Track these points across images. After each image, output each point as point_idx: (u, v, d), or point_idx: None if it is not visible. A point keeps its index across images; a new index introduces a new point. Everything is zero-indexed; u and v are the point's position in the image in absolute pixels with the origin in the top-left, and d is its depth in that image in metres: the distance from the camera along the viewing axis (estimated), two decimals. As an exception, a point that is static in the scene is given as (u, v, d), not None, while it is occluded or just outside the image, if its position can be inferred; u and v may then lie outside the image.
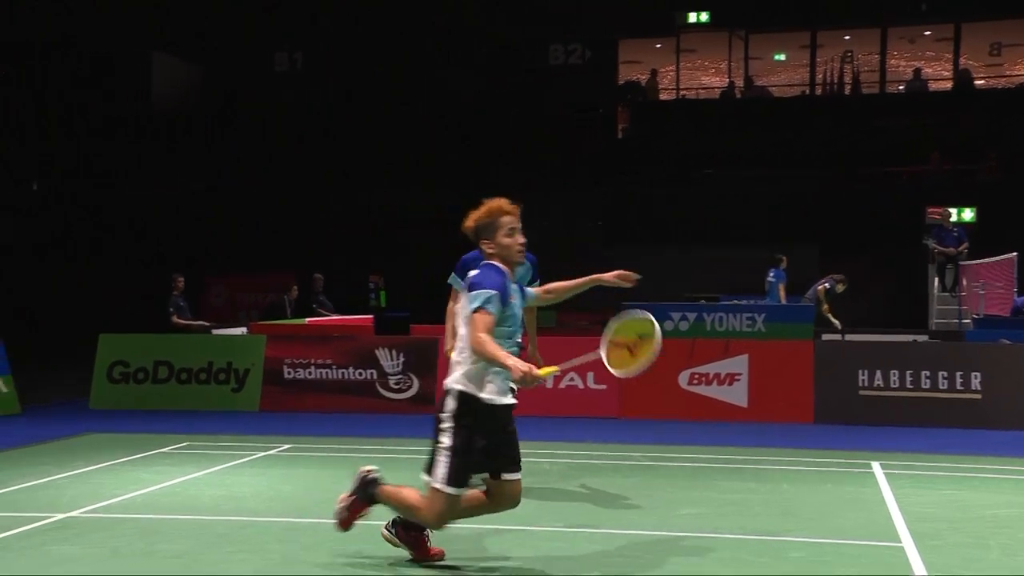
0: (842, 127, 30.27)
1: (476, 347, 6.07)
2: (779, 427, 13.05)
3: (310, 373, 14.66)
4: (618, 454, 11.08)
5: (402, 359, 14.31)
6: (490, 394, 6.20)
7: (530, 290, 6.78)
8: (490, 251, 6.40)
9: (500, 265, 6.35)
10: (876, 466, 10.17)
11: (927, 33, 33.39)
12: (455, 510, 6.23)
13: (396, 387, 14.33)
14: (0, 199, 26.81)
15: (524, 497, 7.97)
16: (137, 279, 25.25)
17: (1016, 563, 6.79)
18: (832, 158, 29.44)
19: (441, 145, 30.25)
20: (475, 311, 6.11)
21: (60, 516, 7.89)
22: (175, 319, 18.11)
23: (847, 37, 33.58)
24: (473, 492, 6.45)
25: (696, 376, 13.81)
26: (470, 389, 6.19)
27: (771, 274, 22.35)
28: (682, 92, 34.68)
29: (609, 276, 6.86)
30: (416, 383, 14.15)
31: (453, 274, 8.79)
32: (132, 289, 24.66)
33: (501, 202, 6.46)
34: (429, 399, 12.83)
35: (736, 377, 13.75)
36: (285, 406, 14.42)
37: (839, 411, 13.47)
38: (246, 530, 7.57)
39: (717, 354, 13.91)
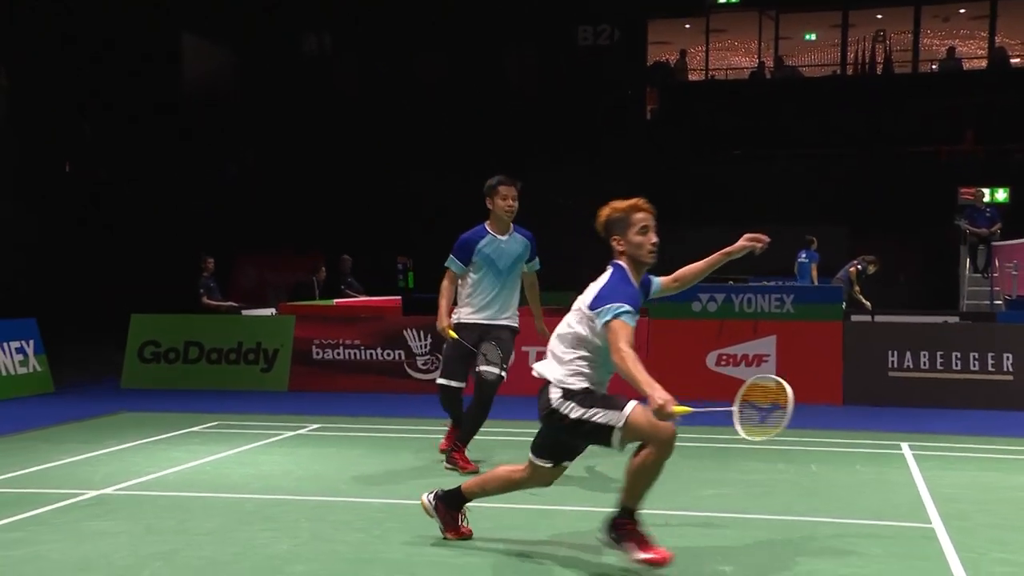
0: (874, 107, 30.10)
1: (618, 360, 5.71)
2: (807, 408, 12.86)
3: (338, 353, 14.77)
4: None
5: (430, 340, 14.37)
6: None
7: (656, 279, 6.51)
8: (620, 248, 6.13)
9: (627, 269, 6.11)
10: (905, 447, 10.18)
11: (962, 11, 33.14)
12: (647, 419, 5.80)
13: (424, 367, 14.42)
14: (33, 181, 26.99)
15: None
16: (168, 260, 25.41)
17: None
18: (863, 138, 29.33)
19: (468, 127, 30.24)
20: (612, 320, 5.77)
21: (94, 493, 8.02)
22: (205, 300, 18.25)
23: (879, 16, 33.36)
24: (511, 468, 6.53)
25: (724, 357, 13.83)
26: (575, 387, 6.05)
27: (802, 255, 22.32)
28: (711, 73, 34.56)
29: (738, 245, 6.62)
30: (443, 363, 14.22)
31: (452, 256, 8.86)
32: (163, 270, 24.82)
33: (636, 199, 6.19)
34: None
35: (764, 358, 13.79)
36: (314, 386, 14.56)
37: (868, 392, 13.48)
38: (276, 508, 7.65)
39: (745, 335, 13.94)
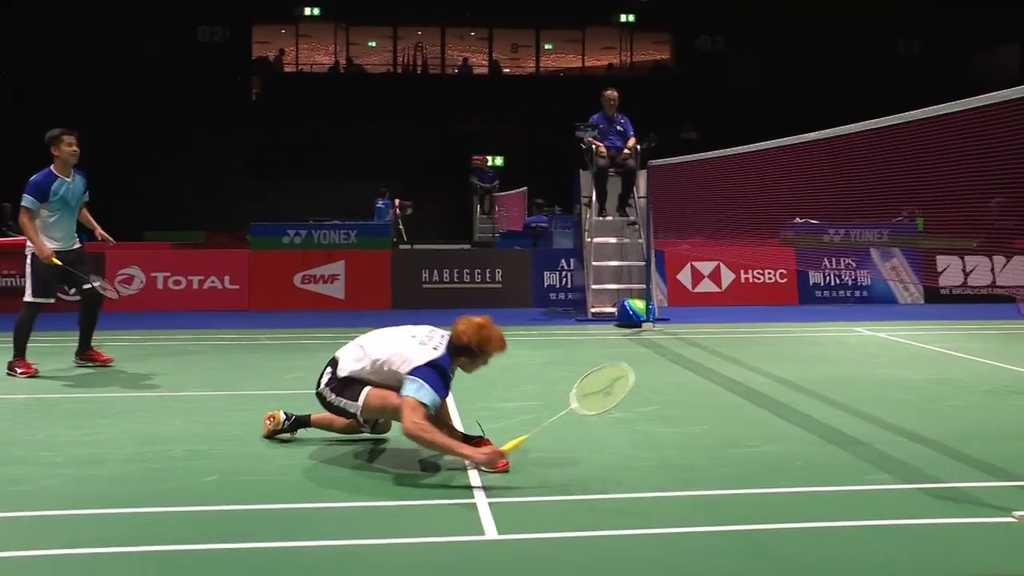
0: (416, 96, 30.79)
1: (415, 433, 4.84)
2: (367, 312, 13.09)
3: (-3, 283, 13.19)
4: (247, 336, 10.83)
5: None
6: None
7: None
8: (462, 365, 5.17)
9: (453, 365, 5.15)
10: (431, 336, 10.48)
11: (472, 34, 34.39)
12: (379, 403, 5.19)
13: (70, 291, 13.18)
14: None
15: (175, 368, 7.66)
16: None
17: (512, 393, 7.31)
18: (410, 118, 29.86)
19: (116, 99, 27.95)
20: (413, 396, 4.90)
21: None
22: None
23: (419, 32, 33.93)
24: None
25: (307, 277, 13.66)
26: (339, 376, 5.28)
27: (380, 202, 22.30)
28: (301, 67, 33.87)
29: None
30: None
31: (30, 197, 7.97)
32: None
33: (502, 343, 5.15)
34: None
35: (336, 277, 13.72)
36: (-27, 309, 12.89)
37: (409, 299, 13.71)
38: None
39: (322, 260, 13.80)
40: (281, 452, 5.55)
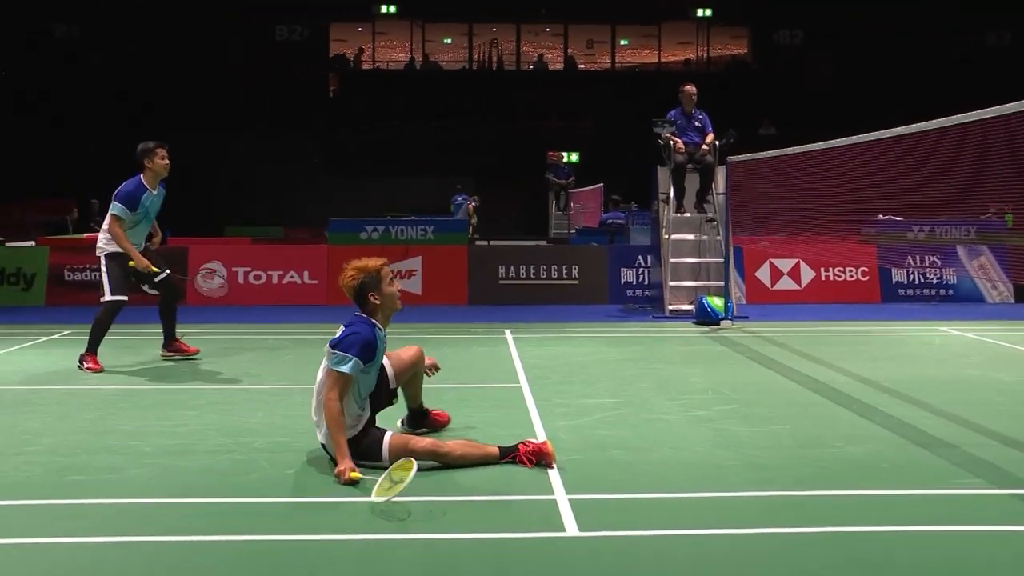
0: (490, 92, 30.86)
1: (327, 412, 4.89)
2: (443, 308, 13.23)
3: (86, 276, 13.60)
4: (326, 331, 10.94)
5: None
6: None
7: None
8: (376, 303, 5.12)
9: (373, 320, 5.09)
10: (508, 333, 10.48)
11: (547, 30, 34.34)
12: (402, 446, 5.01)
13: (143, 288, 13.58)
14: None
15: (255, 362, 7.79)
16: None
17: (591, 390, 7.25)
18: (484, 113, 29.97)
19: (194, 96, 28.65)
20: (337, 368, 4.90)
21: None
22: (-30, 234, 16.33)
23: (494, 29, 34.04)
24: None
25: (385, 272, 13.79)
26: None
27: (457, 199, 22.38)
28: (377, 64, 34.28)
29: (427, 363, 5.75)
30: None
31: (123, 207, 8.13)
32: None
33: (376, 260, 5.16)
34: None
35: (413, 273, 13.83)
36: (66, 301, 13.35)
37: (485, 295, 13.80)
38: (31, 396, 7.06)
39: (399, 256, 13.88)
40: (362, 445, 5.61)
